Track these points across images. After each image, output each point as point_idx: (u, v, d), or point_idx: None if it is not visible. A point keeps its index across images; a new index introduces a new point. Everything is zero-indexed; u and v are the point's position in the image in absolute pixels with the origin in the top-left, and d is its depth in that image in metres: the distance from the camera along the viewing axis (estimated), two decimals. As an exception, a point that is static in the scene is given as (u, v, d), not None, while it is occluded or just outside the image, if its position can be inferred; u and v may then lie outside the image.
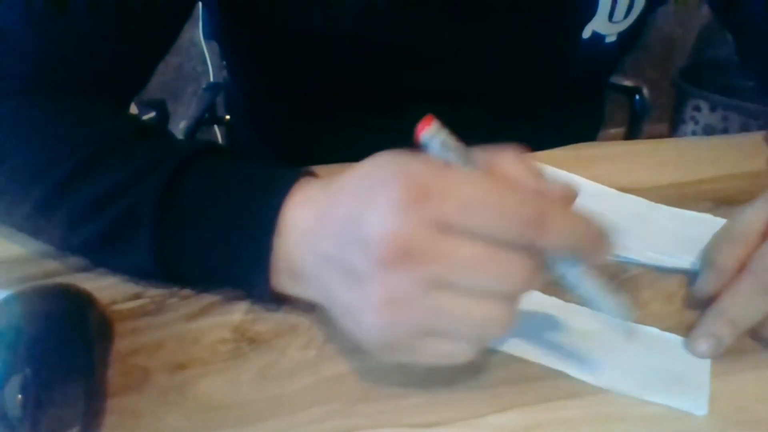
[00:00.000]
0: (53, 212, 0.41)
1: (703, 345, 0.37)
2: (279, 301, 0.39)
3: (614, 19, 0.54)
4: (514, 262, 0.30)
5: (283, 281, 0.38)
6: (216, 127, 1.45)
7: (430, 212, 0.30)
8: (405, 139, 0.61)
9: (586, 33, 0.54)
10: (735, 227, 0.41)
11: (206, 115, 1.20)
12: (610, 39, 0.56)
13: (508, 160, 0.33)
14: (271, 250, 0.37)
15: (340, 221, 0.33)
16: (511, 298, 0.31)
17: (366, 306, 0.31)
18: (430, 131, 0.31)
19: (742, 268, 0.39)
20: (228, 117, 0.97)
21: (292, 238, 0.36)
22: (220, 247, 0.38)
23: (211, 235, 0.38)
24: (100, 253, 0.42)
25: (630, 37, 0.57)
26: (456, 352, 0.32)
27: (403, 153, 0.33)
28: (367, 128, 0.62)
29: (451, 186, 0.30)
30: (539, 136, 0.56)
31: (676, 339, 0.38)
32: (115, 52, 0.48)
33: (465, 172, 0.32)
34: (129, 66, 0.50)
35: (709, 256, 0.41)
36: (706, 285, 0.40)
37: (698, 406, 0.35)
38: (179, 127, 1.19)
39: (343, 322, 0.34)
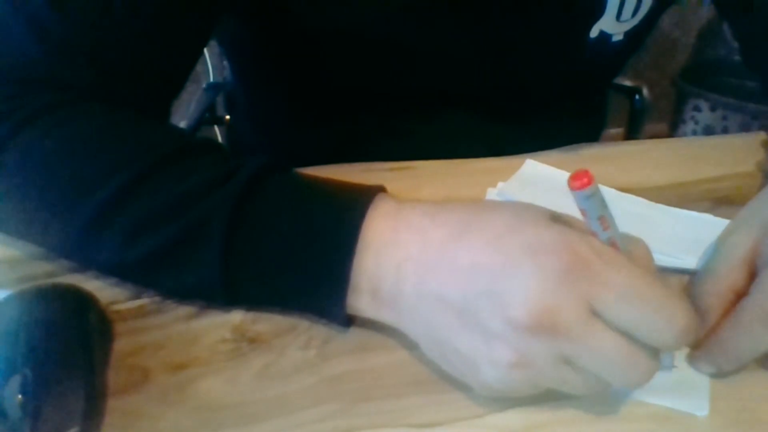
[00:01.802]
0: (107, 224, 0.38)
1: (705, 368, 0.36)
2: (350, 322, 0.38)
3: (622, 18, 0.54)
4: (642, 363, 0.31)
5: (362, 302, 0.36)
6: (216, 127, 1.45)
7: (587, 293, 0.30)
8: (408, 141, 0.61)
9: (594, 32, 0.54)
10: (717, 264, 0.39)
11: (206, 115, 1.20)
12: (617, 38, 0.55)
13: (637, 244, 0.34)
14: (352, 265, 0.35)
15: (471, 268, 0.33)
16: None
17: (491, 361, 0.32)
18: (591, 189, 0.30)
19: (729, 301, 0.38)
20: (228, 117, 0.97)
21: (385, 260, 0.35)
22: (295, 264, 0.36)
23: (284, 252, 0.36)
24: (157, 270, 0.39)
25: (637, 37, 0.57)
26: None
27: (541, 211, 0.34)
28: (371, 129, 0.62)
29: (613, 272, 0.31)
30: (544, 138, 0.56)
31: None
32: (159, 54, 0.46)
33: (623, 257, 0.32)
34: (167, 69, 0.48)
35: (694, 299, 0.39)
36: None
37: (699, 407, 0.35)
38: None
39: (447, 361, 0.35)
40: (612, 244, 0.32)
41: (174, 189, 0.38)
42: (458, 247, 0.34)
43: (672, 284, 0.34)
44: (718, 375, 0.36)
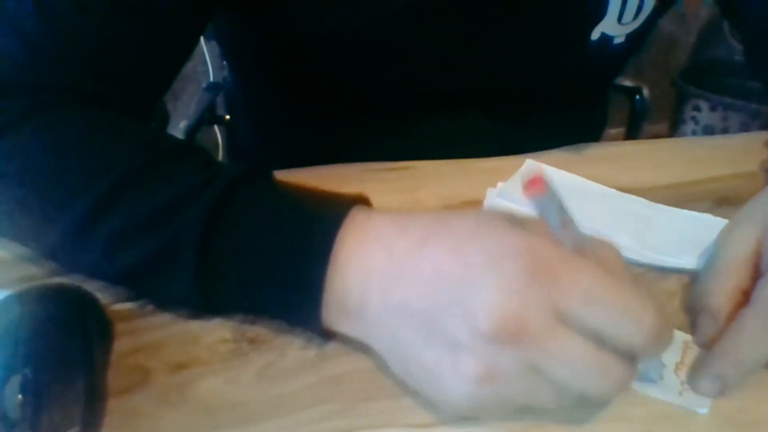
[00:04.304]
0: (85, 236, 0.38)
1: (708, 386, 0.35)
2: (330, 336, 0.37)
3: (623, 21, 0.54)
4: (615, 370, 0.30)
5: (331, 316, 0.36)
6: (216, 127, 1.45)
7: (552, 298, 0.30)
8: (407, 141, 0.61)
9: (595, 35, 0.54)
10: (720, 261, 0.39)
11: (206, 115, 1.20)
12: (619, 40, 0.56)
13: (604, 247, 0.33)
14: (324, 281, 0.35)
15: (435, 278, 0.32)
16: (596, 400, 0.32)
17: (457, 374, 0.31)
18: (548, 194, 0.30)
19: (737, 299, 0.37)
20: (228, 117, 0.97)
21: (351, 272, 0.35)
22: (268, 277, 0.36)
23: (258, 264, 0.36)
24: (136, 283, 0.39)
25: (638, 38, 0.57)
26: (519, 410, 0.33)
27: (504, 217, 0.33)
28: (370, 129, 0.62)
29: (578, 276, 0.30)
30: (544, 139, 0.56)
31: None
32: (140, 55, 0.46)
33: (587, 260, 0.31)
34: (152, 71, 0.48)
35: (699, 297, 0.38)
36: (704, 331, 0.37)
37: (700, 404, 0.35)
38: (179, 127, 1.19)
39: (412, 377, 0.34)
40: (578, 247, 0.32)
41: (148, 202, 0.37)
42: (421, 256, 0.33)
43: (643, 284, 0.33)
44: (722, 393, 0.34)
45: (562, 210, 0.31)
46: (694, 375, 0.35)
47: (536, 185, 0.29)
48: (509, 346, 0.30)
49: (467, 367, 0.31)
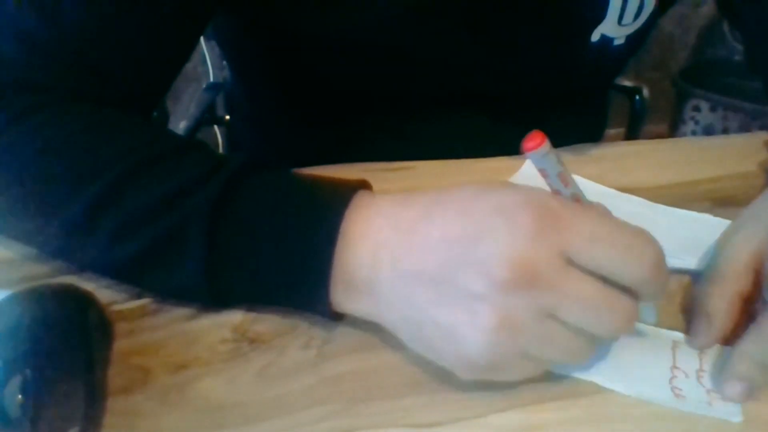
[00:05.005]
0: (91, 227, 0.38)
1: (736, 388, 0.35)
2: (339, 318, 0.38)
3: (623, 22, 0.54)
4: (622, 306, 0.32)
5: (338, 295, 0.36)
6: (216, 127, 1.45)
7: (560, 242, 0.31)
8: (407, 141, 0.61)
9: (595, 36, 0.54)
10: (721, 265, 0.39)
11: (206, 115, 1.20)
12: (619, 42, 0.56)
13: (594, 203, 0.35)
14: (333, 259, 0.35)
15: (444, 239, 0.33)
16: (605, 339, 0.34)
17: (475, 326, 0.32)
18: (545, 148, 0.32)
19: (736, 304, 0.37)
20: (228, 117, 0.97)
21: (360, 249, 0.35)
22: (277, 258, 0.36)
23: (266, 249, 0.36)
24: (142, 272, 0.39)
25: (638, 40, 0.57)
26: (535, 371, 0.34)
27: (502, 181, 0.35)
28: (370, 129, 0.62)
29: (581, 220, 0.32)
30: None
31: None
32: (140, 55, 0.46)
33: (589, 206, 0.33)
34: (152, 71, 0.48)
35: (698, 300, 0.39)
36: (703, 336, 0.37)
37: (733, 412, 0.34)
38: (179, 127, 1.19)
39: (426, 342, 0.34)
40: (575, 198, 0.33)
41: (155, 191, 0.38)
42: (429, 223, 0.34)
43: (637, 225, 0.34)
44: (750, 395, 0.35)
45: (559, 164, 0.32)
46: (721, 381, 0.36)
47: (535, 140, 0.31)
48: (524, 292, 0.31)
49: (484, 316, 0.31)
